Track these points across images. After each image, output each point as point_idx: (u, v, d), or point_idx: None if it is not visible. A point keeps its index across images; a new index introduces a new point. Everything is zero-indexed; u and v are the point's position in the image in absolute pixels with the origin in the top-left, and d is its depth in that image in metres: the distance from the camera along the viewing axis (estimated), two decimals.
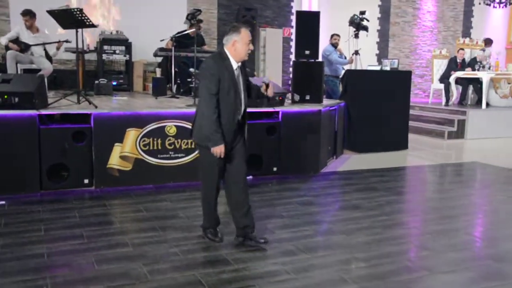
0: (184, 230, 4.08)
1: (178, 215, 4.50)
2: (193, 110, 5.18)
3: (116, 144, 5.31)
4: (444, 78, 11.01)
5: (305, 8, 11.36)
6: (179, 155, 5.60)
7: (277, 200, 5.08)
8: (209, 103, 3.45)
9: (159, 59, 8.59)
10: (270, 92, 3.95)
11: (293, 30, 9.43)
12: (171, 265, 3.38)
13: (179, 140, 5.57)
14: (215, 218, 3.87)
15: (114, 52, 8.88)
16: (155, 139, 5.47)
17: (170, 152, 5.56)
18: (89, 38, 9.30)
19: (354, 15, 8.24)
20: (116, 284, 3.07)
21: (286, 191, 5.48)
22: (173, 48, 7.34)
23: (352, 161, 7.24)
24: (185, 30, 7.71)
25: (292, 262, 3.50)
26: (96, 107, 5.42)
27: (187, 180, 5.55)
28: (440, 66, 11.61)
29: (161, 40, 7.65)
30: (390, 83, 8.00)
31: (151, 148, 5.45)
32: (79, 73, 8.51)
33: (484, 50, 11.28)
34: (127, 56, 8.97)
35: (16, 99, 4.96)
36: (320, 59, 7.69)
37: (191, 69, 7.63)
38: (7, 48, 7.11)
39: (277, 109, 6.13)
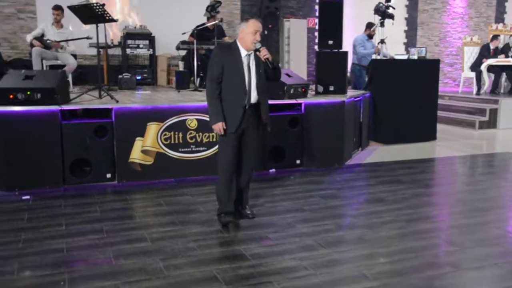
0: (203, 225, 4.05)
1: (198, 209, 4.47)
2: None
3: (138, 138, 5.31)
4: (476, 66, 10.65)
5: None
6: (201, 148, 5.56)
7: (299, 193, 4.99)
8: (209, 87, 3.84)
9: (183, 53, 8.58)
10: (262, 56, 3.83)
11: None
12: (188, 260, 3.34)
13: (200, 134, 5.53)
14: (232, 203, 4.02)
15: (138, 47, 8.90)
16: (176, 133, 5.44)
17: (192, 146, 5.53)
18: (113, 33, 9.37)
19: (379, 3, 8.03)
20: (132, 279, 3.05)
21: (308, 184, 5.39)
22: (194, 41, 7.30)
23: (378, 153, 7.07)
24: (205, 24, 7.65)
25: (311, 257, 3.42)
26: (117, 101, 5.43)
27: (208, 174, 5.51)
28: (471, 54, 11.22)
29: (183, 33, 7.62)
30: (418, 72, 7.77)
31: (172, 142, 5.43)
32: (103, 68, 8.62)
33: None
34: (151, 50, 8.98)
35: (39, 95, 5.00)
36: (344, 48, 7.53)
37: None
38: (32, 45, 7.20)
39: (299, 100, 6.02)
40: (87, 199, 4.74)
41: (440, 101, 8.87)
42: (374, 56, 8.50)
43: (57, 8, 7.35)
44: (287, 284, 3.01)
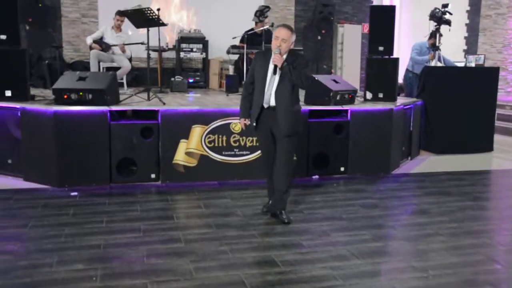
0: (239, 229, 4.07)
1: (236, 212, 4.49)
2: None
3: (182, 140, 5.41)
4: None
5: (386, 2, 10.92)
6: (244, 152, 5.60)
7: (340, 201, 4.92)
8: (243, 87, 4.39)
9: (234, 57, 8.67)
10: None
11: None
12: (218, 263, 3.37)
13: (244, 138, 5.57)
14: (270, 192, 4.40)
15: (192, 50, 9.08)
16: (220, 136, 5.51)
17: (235, 149, 5.58)
18: (169, 36, 9.61)
19: (436, 8, 7.76)
20: (161, 279, 3.11)
21: (350, 192, 5.29)
22: (245, 45, 7.36)
23: (428, 163, 6.84)
24: (253, 29, 7.70)
25: (342, 267, 3.35)
26: (164, 104, 5.56)
27: (251, 178, 5.54)
28: None
29: (233, 38, 7.71)
30: (474, 80, 7.44)
31: (216, 145, 5.50)
32: (157, 71, 8.87)
33: None
34: (204, 54, 9.14)
35: (90, 96, 5.22)
36: (399, 54, 7.35)
37: None
38: (90, 47, 7.52)
39: (345, 107, 5.93)
40: (130, 198, 4.89)
41: (499, 111, 8.46)
42: (433, 63, 8.22)
43: (121, 14, 7.59)
44: None
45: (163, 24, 6.22)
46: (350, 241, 3.84)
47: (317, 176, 5.85)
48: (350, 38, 10.62)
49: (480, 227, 4.30)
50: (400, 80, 8.33)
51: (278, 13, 10.38)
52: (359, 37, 10.74)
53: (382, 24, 6.52)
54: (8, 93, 5.40)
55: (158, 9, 7.01)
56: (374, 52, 6.63)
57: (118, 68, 7.53)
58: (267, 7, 7.16)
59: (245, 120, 4.31)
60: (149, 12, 5.86)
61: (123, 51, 7.53)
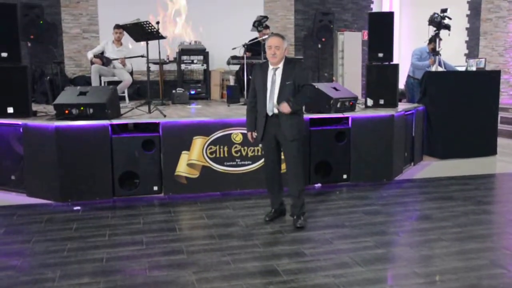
0: (241, 239, 4.06)
1: (238, 223, 4.49)
2: None
3: (184, 152, 5.43)
4: None
5: (386, 8, 10.95)
6: (246, 162, 5.60)
7: (342, 209, 4.91)
8: (247, 101, 4.52)
9: (235, 67, 8.71)
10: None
11: None
12: (220, 274, 3.37)
13: (246, 148, 5.58)
14: (274, 202, 4.55)
15: (192, 62, 9.14)
16: (222, 147, 5.52)
17: (237, 160, 5.58)
18: (170, 49, 9.67)
19: (434, 13, 7.77)
20: None
21: (353, 199, 5.28)
22: (245, 56, 7.40)
23: (431, 168, 6.81)
24: (256, 38, 7.74)
25: (345, 275, 3.34)
26: (164, 116, 5.59)
27: (253, 188, 5.54)
28: None
29: (233, 49, 7.75)
30: (476, 84, 7.40)
31: (217, 155, 5.51)
32: (158, 83, 8.90)
33: None
34: (205, 65, 9.18)
35: (91, 110, 5.25)
36: (400, 60, 7.36)
37: None
38: (91, 62, 7.58)
39: (346, 114, 5.94)
40: (133, 210, 4.90)
41: (502, 114, 8.44)
42: (434, 68, 8.21)
43: (119, 27, 7.68)
44: None
45: (162, 37, 6.26)
46: (353, 249, 3.82)
47: (319, 184, 5.84)
48: (351, 46, 10.64)
49: (484, 232, 4.27)
50: (402, 86, 8.34)
51: (278, 23, 10.43)
52: (360, 44, 10.76)
53: (381, 30, 6.55)
54: (10, 109, 5.44)
55: (157, 22, 7.07)
56: (373, 59, 6.64)
57: (119, 82, 7.58)
58: (265, 17, 7.20)
59: (252, 133, 4.42)
60: (147, 25, 5.91)
61: (124, 64, 7.59)
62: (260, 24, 6.94)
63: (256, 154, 5.59)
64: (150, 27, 5.95)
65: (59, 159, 5.13)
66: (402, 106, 6.87)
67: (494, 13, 12.29)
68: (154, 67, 9.03)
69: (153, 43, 6.53)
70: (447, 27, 7.83)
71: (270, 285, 3.20)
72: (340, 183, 5.90)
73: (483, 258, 3.65)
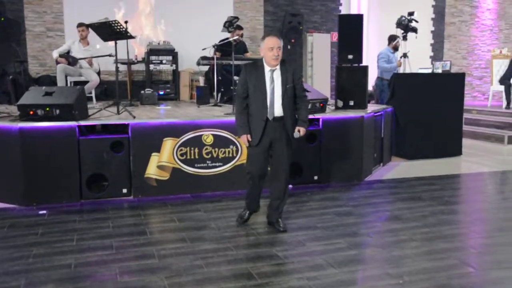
0: (213, 242, 4.01)
1: (210, 225, 4.44)
2: (231, 118, 5.22)
3: (154, 153, 5.34)
4: (505, 79, 10.35)
5: (354, 11, 11.08)
6: (217, 164, 5.55)
7: (314, 210, 4.91)
8: (236, 102, 4.25)
9: (204, 68, 8.64)
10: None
11: None
12: (193, 278, 3.31)
13: (216, 149, 5.52)
14: (255, 205, 4.44)
15: (161, 62, 9.03)
16: (192, 148, 5.45)
17: (208, 161, 5.52)
18: (138, 49, 9.53)
19: (402, 16, 7.93)
20: None
21: (324, 200, 5.30)
22: (215, 56, 7.34)
23: (399, 169, 6.92)
24: (227, 38, 7.70)
25: (318, 277, 3.33)
26: (134, 117, 5.48)
27: (224, 190, 5.50)
28: (500, 67, 10.94)
29: (203, 49, 7.69)
30: (442, 86, 7.60)
31: (188, 157, 5.44)
32: (126, 84, 8.75)
33: None
34: (174, 65, 9.09)
35: (57, 111, 5.10)
36: (369, 63, 7.44)
37: (235, 77, 7.61)
38: (57, 62, 7.38)
39: (317, 116, 5.96)
40: (102, 214, 4.78)
41: (467, 116, 8.66)
42: (401, 70, 8.37)
43: (81, 25, 7.54)
44: None
45: (131, 37, 6.15)
46: (326, 250, 3.82)
47: (291, 186, 5.84)
48: (320, 47, 10.73)
49: (452, 231, 4.34)
50: (370, 87, 8.45)
51: (248, 24, 10.42)
52: (329, 46, 10.86)
53: (350, 32, 6.60)
54: None
55: (126, 22, 6.94)
56: (343, 61, 6.70)
57: (86, 82, 7.41)
58: (236, 17, 7.16)
59: (247, 136, 4.12)
60: (116, 25, 5.79)
61: (91, 64, 7.42)
62: (231, 24, 6.90)
63: (227, 155, 5.55)
64: (118, 27, 5.83)
65: (23, 162, 4.96)
66: (371, 107, 6.95)
67: (457, 17, 12.63)
68: (122, 67, 8.86)
69: (121, 43, 6.41)
70: (414, 30, 8.00)
71: None
72: (311, 184, 5.91)
73: (452, 257, 3.71)
